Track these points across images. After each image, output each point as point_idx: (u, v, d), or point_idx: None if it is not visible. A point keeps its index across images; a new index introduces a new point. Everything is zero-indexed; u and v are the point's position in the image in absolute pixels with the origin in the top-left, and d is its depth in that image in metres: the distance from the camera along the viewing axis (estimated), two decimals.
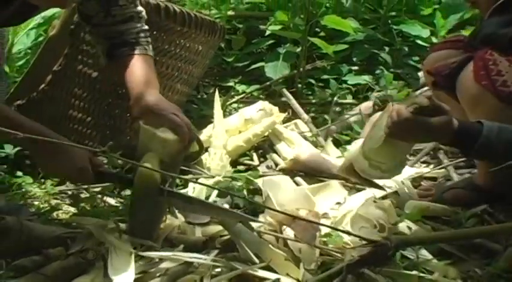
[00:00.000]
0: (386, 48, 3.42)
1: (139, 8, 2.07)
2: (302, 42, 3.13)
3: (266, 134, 2.63)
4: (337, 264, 1.66)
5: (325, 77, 3.30)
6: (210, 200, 2.17)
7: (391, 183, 2.26)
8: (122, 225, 1.88)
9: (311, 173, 2.40)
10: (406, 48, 3.44)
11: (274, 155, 2.58)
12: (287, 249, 1.79)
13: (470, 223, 2.01)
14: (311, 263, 1.75)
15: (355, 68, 3.37)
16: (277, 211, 1.88)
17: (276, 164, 2.53)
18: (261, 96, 3.20)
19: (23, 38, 3.04)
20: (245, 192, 2.24)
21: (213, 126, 2.60)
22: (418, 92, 3.01)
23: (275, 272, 1.69)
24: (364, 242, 1.67)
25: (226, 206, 2.13)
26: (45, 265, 1.70)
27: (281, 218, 1.88)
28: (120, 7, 2.00)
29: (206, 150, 2.47)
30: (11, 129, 1.63)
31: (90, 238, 1.81)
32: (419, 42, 3.41)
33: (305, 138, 2.66)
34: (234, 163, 2.52)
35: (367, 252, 1.60)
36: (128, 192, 2.25)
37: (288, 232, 1.86)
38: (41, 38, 3.03)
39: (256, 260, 1.72)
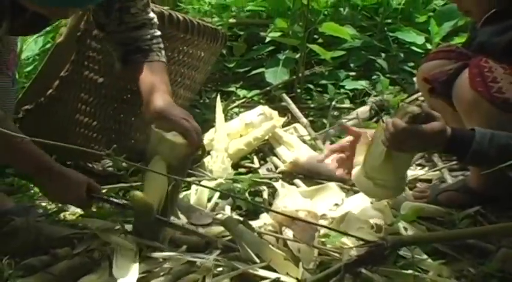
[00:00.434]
0: (383, 55, 3.42)
1: (151, 14, 2.07)
2: (301, 48, 3.13)
3: (266, 137, 2.63)
4: (335, 263, 1.66)
5: (324, 82, 3.29)
6: (212, 201, 2.17)
7: None
8: (127, 226, 1.89)
9: (310, 175, 2.40)
10: (402, 55, 3.44)
11: (274, 158, 2.58)
12: (287, 249, 1.79)
13: (463, 224, 2.00)
14: (310, 263, 1.75)
15: (353, 73, 3.36)
16: (277, 212, 1.89)
17: (276, 167, 2.53)
18: (261, 101, 3.20)
19: (32, 44, 3.05)
20: (247, 194, 2.24)
21: (215, 130, 2.60)
22: (413, 97, 3.01)
23: (275, 271, 1.69)
24: (361, 242, 1.67)
25: (228, 207, 2.14)
26: (52, 264, 1.71)
27: (281, 219, 1.89)
28: (132, 15, 2.01)
29: (208, 153, 2.47)
30: (17, 157, 1.81)
31: (95, 238, 1.82)
32: (414, 48, 3.41)
33: (304, 141, 2.66)
34: (235, 166, 2.52)
35: (364, 252, 1.60)
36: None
37: (288, 233, 1.86)
38: (48, 45, 3.04)
39: (257, 260, 1.72)
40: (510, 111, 1.86)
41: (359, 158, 2.01)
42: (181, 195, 2.19)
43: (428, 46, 3.36)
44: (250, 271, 1.67)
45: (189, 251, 1.78)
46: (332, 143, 2.67)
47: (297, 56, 3.21)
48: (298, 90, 3.16)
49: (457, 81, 1.96)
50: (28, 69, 3.03)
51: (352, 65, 3.39)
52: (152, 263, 1.73)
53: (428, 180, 2.43)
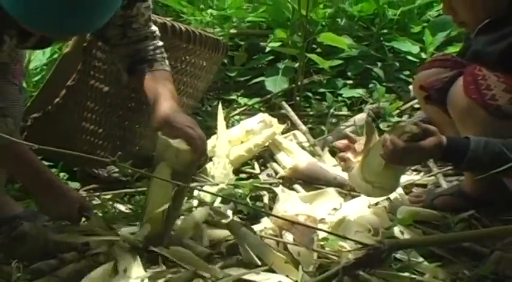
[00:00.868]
0: (379, 64, 3.42)
1: (153, 28, 2.08)
2: (300, 58, 3.13)
3: (266, 144, 2.62)
4: (333, 266, 1.66)
5: (322, 90, 3.30)
6: (214, 205, 2.17)
7: None
8: (132, 230, 1.89)
9: (309, 180, 2.40)
10: (398, 64, 3.44)
11: (274, 164, 2.57)
12: (287, 253, 1.79)
13: (458, 228, 2.01)
14: (309, 266, 1.75)
15: (350, 82, 3.36)
16: (278, 217, 1.88)
17: (276, 172, 2.52)
18: (261, 108, 3.19)
19: (39, 55, 3.04)
20: (248, 199, 2.24)
21: (216, 137, 2.60)
22: (408, 104, 3.02)
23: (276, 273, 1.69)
24: (359, 246, 1.67)
25: (230, 211, 2.13)
26: (59, 268, 1.71)
27: (281, 223, 1.88)
28: (135, 30, 2.01)
29: (210, 159, 2.47)
30: (19, 167, 1.88)
31: (101, 243, 1.81)
32: (409, 57, 3.41)
33: (303, 148, 2.65)
34: (236, 171, 2.51)
35: (362, 255, 1.60)
36: (137, 198, 2.25)
37: (288, 236, 1.85)
38: (55, 55, 3.04)
39: (259, 262, 1.72)
40: (503, 118, 1.86)
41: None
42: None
43: (423, 55, 3.36)
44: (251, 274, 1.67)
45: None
46: (330, 149, 2.67)
47: (296, 65, 3.20)
48: (298, 98, 3.16)
49: (452, 88, 1.96)
50: (36, 78, 3.02)
51: (349, 73, 3.39)
52: (156, 268, 1.73)
53: (424, 185, 2.43)
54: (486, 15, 1.93)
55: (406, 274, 1.71)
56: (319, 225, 1.96)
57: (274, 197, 2.23)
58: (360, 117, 2.94)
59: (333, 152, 2.67)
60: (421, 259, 1.80)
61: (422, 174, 2.49)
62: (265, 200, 2.26)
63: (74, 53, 2.53)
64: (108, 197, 2.26)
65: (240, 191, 2.27)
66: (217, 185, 2.34)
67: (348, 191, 2.28)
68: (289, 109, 2.98)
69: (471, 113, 1.88)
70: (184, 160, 1.82)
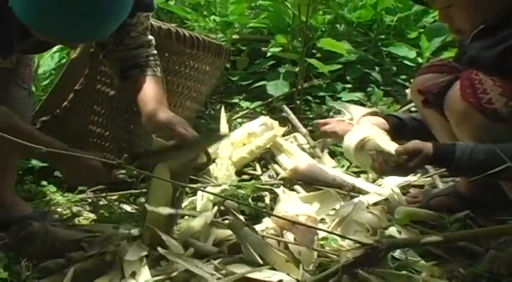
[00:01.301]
0: (377, 68, 3.42)
1: (150, 37, 2.08)
2: (300, 62, 3.13)
3: (268, 146, 2.62)
4: (333, 265, 1.66)
5: (322, 94, 3.29)
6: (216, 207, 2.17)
7: (382, 191, 2.27)
8: (137, 230, 1.88)
9: (309, 181, 2.40)
10: (395, 68, 3.44)
11: (276, 166, 2.57)
12: (288, 252, 1.79)
13: (454, 227, 2.01)
14: (310, 264, 1.75)
15: (349, 86, 3.36)
16: (279, 217, 1.88)
17: (277, 174, 2.52)
18: (263, 111, 3.19)
19: (48, 60, 3.05)
20: (250, 199, 2.23)
21: None
22: (405, 108, 3.01)
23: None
24: (358, 245, 1.66)
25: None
26: (67, 267, 1.70)
27: (282, 223, 1.88)
28: (132, 38, 2.02)
29: (213, 161, 2.47)
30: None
31: (108, 242, 1.81)
32: (406, 62, 3.41)
33: (303, 150, 2.65)
34: (238, 173, 2.51)
35: (361, 254, 1.59)
36: (142, 199, 2.25)
37: (289, 236, 1.85)
38: (63, 60, 3.04)
39: (260, 261, 1.72)
40: (499, 121, 1.85)
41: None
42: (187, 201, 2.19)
43: (420, 60, 3.36)
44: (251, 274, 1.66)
45: (196, 253, 1.77)
46: (330, 151, 2.67)
47: (297, 69, 3.20)
48: (298, 102, 3.16)
49: (449, 92, 1.95)
50: (45, 83, 3.02)
51: (348, 78, 3.39)
52: (160, 267, 1.72)
53: (421, 186, 2.42)
54: (481, 19, 1.92)
55: (404, 272, 1.71)
56: (319, 225, 1.96)
57: (275, 198, 2.23)
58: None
59: (332, 154, 2.67)
60: (418, 258, 1.80)
61: (419, 175, 2.49)
62: (267, 200, 2.25)
63: (81, 58, 2.52)
64: (114, 197, 2.26)
65: (242, 191, 2.26)
66: (220, 186, 2.33)
67: (347, 192, 2.28)
68: (289, 112, 2.97)
69: (468, 117, 1.88)
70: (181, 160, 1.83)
